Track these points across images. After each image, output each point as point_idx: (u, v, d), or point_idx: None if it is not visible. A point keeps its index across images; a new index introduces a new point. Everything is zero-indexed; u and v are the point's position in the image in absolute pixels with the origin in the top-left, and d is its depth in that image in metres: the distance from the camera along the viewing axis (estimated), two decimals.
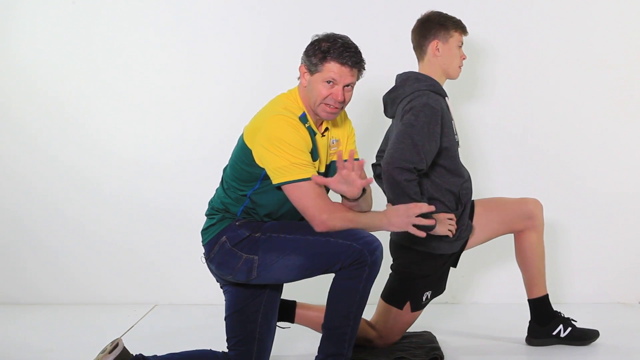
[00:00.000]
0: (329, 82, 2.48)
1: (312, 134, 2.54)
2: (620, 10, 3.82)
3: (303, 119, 2.52)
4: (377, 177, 3.07)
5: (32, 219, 3.95)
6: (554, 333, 3.03)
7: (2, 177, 3.94)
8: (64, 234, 3.93)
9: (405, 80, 2.96)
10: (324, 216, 2.41)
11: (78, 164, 3.91)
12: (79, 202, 3.92)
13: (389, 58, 3.63)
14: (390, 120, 3.07)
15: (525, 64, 3.84)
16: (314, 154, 2.53)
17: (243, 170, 2.52)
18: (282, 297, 2.86)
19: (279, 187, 2.47)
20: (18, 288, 3.94)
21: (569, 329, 3.03)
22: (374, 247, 2.40)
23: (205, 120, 3.88)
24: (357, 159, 2.59)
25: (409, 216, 2.42)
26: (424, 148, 2.77)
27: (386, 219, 2.47)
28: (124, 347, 2.50)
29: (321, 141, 2.59)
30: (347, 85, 2.51)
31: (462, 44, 2.99)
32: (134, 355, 2.51)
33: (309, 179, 2.42)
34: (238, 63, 3.87)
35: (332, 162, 2.65)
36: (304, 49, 2.55)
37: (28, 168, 3.93)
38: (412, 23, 3.04)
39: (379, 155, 3.12)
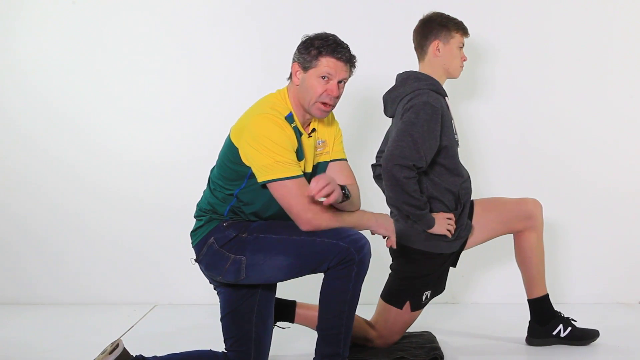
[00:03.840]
0: (323, 77, 2.48)
1: (298, 134, 2.53)
2: (620, 11, 3.82)
3: (289, 118, 2.51)
4: (377, 177, 3.07)
5: (32, 219, 3.95)
6: (554, 333, 3.03)
7: (2, 176, 3.94)
8: (64, 234, 3.93)
9: (405, 79, 2.97)
10: (309, 215, 2.40)
11: (79, 164, 3.92)
12: (79, 202, 3.92)
13: (389, 58, 3.63)
14: (390, 119, 3.07)
15: (524, 65, 3.84)
16: (299, 153, 2.53)
17: (230, 168, 2.52)
18: (281, 297, 2.87)
19: (264, 186, 2.46)
20: (18, 288, 3.95)
21: (569, 328, 3.03)
22: (361, 245, 2.40)
23: (206, 120, 3.88)
24: (344, 160, 2.69)
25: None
26: (423, 146, 2.77)
27: (374, 218, 2.56)
28: (124, 348, 2.49)
29: (307, 142, 2.58)
30: (341, 82, 2.52)
31: (463, 45, 2.99)
32: (134, 356, 2.51)
33: (293, 177, 2.41)
34: (236, 64, 3.87)
35: (319, 164, 2.65)
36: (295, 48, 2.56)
37: (28, 168, 3.92)
38: (413, 23, 3.04)
39: (379, 156, 3.12)
